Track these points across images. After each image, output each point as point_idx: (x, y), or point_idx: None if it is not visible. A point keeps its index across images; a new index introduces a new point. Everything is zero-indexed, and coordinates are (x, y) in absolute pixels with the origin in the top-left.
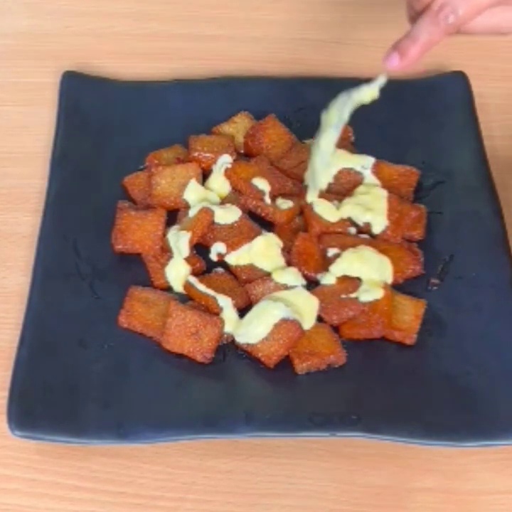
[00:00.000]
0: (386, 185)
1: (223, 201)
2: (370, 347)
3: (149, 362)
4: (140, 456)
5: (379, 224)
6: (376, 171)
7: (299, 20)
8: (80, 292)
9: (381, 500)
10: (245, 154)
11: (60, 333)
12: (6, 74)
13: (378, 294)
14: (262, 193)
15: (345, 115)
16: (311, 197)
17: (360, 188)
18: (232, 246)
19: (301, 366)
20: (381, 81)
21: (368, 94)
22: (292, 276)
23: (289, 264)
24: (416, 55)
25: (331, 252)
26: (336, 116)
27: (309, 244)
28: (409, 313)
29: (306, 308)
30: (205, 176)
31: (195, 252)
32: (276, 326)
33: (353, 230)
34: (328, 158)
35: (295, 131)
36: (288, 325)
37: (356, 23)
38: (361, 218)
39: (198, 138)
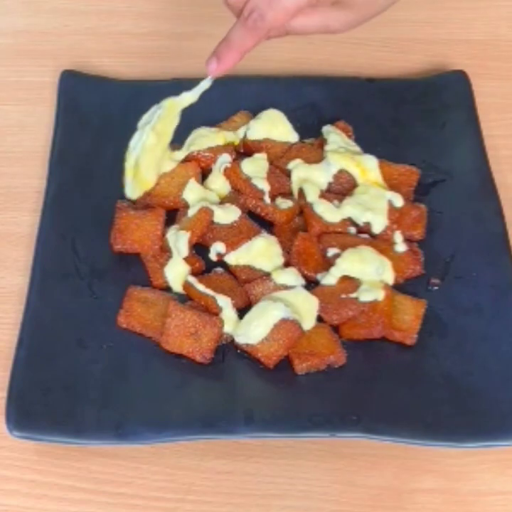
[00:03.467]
0: (386, 184)
1: (223, 201)
2: (370, 347)
3: (148, 362)
4: (139, 456)
5: (379, 224)
6: None
7: None
8: (78, 292)
9: (381, 501)
10: (245, 154)
11: (58, 333)
12: (5, 73)
13: (378, 294)
14: (261, 192)
15: (155, 119)
16: (131, 193)
17: (360, 188)
18: (231, 246)
19: (300, 366)
20: (204, 86)
21: (188, 99)
22: (292, 277)
23: (288, 264)
24: (232, 59)
25: (331, 252)
26: (145, 120)
27: (309, 244)
28: (410, 314)
29: (306, 308)
30: (204, 175)
31: (194, 251)
32: (276, 326)
33: (353, 229)
34: (135, 156)
35: (295, 131)
36: (288, 325)
37: None
38: (361, 218)
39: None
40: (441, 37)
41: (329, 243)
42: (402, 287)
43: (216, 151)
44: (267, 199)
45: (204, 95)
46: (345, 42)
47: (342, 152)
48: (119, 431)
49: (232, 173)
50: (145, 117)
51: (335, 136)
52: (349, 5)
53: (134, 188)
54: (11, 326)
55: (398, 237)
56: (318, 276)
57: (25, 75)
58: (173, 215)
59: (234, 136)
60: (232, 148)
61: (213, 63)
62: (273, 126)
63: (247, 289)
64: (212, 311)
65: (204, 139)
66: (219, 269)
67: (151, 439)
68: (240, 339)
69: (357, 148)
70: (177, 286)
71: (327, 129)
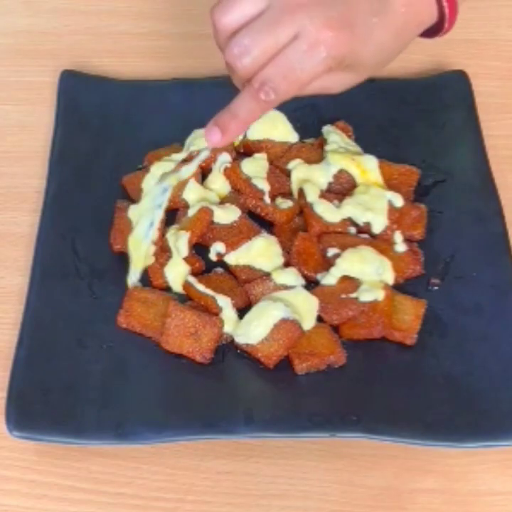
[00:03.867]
0: (386, 184)
1: (223, 201)
2: (370, 347)
3: (148, 362)
4: (139, 456)
5: (379, 224)
6: None
7: None
8: (78, 292)
9: (381, 501)
10: (245, 154)
11: (58, 333)
12: (5, 73)
13: (378, 294)
14: (261, 192)
15: (167, 196)
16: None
17: (360, 188)
18: (231, 246)
19: (300, 366)
20: (203, 157)
21: (188, 172)
22: (292, 277)
23: (288, 264)
24: (237, 131)
25: (331, 252)
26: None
27: (309, 244)
28: (410, 314)
29: (306, 308)
30: (204, 175)
31: (194, 251)
32: (276, 326)
33: (353, 229)
34: (147, 246)
35: (295, 131)
36: (287, 325)
37: None
38: (361, 218)
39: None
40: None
41: (329, 243)
42: (402, 287)
43: (216, 150)
44: (267, 199)
45: (204, 95)
46: None
47: (342, 152)
48: (119, 431)
49: (232, 173)
50: (148, 200)
51: (335, 136)
52: (356, 68)
53: (137, 275)
54: (11, 326)
55: (398, 237)
56: (318, 276)
57: (25, 75)
58: (173, 215)
59: None
60: (232, 148)
61: (216, 135)
62: (273, 126)
63: (247, 289)
64: (212, 311)
65: (203, 139)
66: (219, 269)
67: (151, 439)
68: (240, 339)
69: (357, 149)
70: (177, 286)
71: (327, 129)
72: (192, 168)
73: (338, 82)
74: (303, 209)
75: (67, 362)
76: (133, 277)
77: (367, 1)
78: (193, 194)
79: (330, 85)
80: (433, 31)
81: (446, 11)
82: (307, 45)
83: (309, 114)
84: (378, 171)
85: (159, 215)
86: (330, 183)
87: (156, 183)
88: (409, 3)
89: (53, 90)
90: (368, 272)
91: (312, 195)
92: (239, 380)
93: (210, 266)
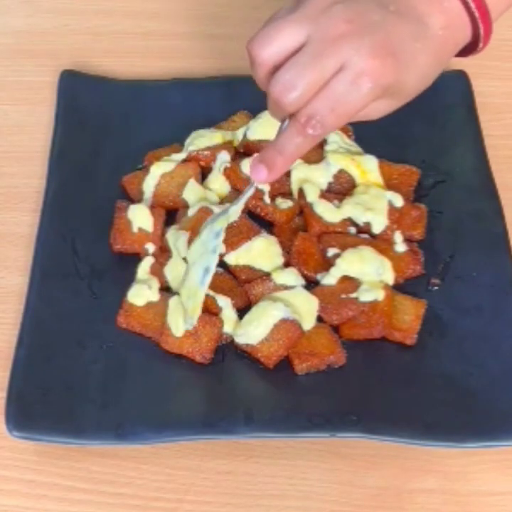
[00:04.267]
0: (386, 184)
1: (222, 201)
2: (370, 347)
3: (148, 362)
4: (139, 457)
5: (379, 224)
6: None
7: None
8: (78, 292)
9: (381, 502)
10: (245, 154)
11: (58, 333)
12: (4, 73)
13: (378, 294)
14: (261, 192)
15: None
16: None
17: (360, 188)
18: (231, 246)
19: (300, 367)
20: (249, 194)
21: (235, 213)
22: (292, 277)
23: (288, 264)
24: (284, 167)
25: (331, 252)
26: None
27: (309, 244)
28: (410, 314)
29: (306, 308)
30: (204, 175)
31: None
32: (276, 326)
33: (353, 229)
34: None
35: None
36: (287, 325)
37: None
38: (361, 218)
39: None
40: None
41: (329, 243)
42: (402, 287)
43: (215, 149)
44: (267, 199)
45: (204, 95)
46: None
47: (342, 152)
48: (119, 431)
49: (231, 173)
50: (199, 246)
51: (335, 136)
52: (398, 94)
53: (194, 322)
54: (11, 326)
55: (398, 237)
56: (318, 276)
57: (25, 75)
58: (173, 215)
59: (232, 136)
60: (231, 147)
61: (262, 172)
62: (273, 126)
63: (247, 289)
64: (212, 311)
65: (202, 139)
66: (219, 269)
67: (151, 439)
68: (240, 339)
69: (357, 149)
70: (177, 286)
71: None
72: (238, 207)
73: (377, 109)
74: (303, 209)
75: (67, 362)
76: (189, 324)
77: (406, 25)
78: (193, 194)
79: (369, 112)
80: (466, 51)
81: (481, 31)
82: (353, 76)
83: None
84: (378, 171)
85: (215, 259)
86: (330, 183)
87: (205, 227)
88: (446, 26)
89: (53, 90)
90: (368, 271)
91: (312, 195)
92: (239, 380)
93: None
